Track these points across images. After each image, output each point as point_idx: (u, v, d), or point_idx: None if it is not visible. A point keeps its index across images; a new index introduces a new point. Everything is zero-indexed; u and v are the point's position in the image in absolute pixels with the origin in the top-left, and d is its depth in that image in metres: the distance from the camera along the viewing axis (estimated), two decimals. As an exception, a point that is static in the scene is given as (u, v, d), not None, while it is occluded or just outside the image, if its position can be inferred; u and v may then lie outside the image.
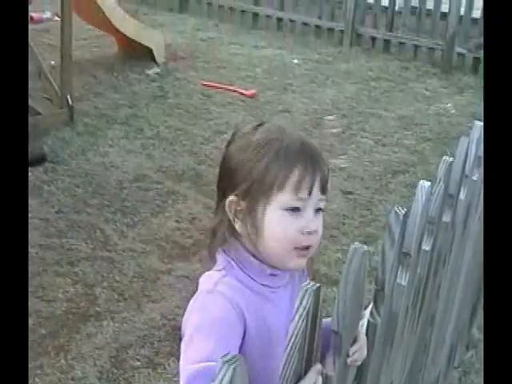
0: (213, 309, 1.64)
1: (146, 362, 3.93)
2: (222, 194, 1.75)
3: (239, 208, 1.71)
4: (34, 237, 4.97)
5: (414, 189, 6.31)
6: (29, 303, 4.25)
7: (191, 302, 1.71)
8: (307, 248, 1.72)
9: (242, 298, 1.66)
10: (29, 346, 3.91)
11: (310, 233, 1.70)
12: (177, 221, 5.37)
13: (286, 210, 1.68)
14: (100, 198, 5.65)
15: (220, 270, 1.72)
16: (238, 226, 1.72)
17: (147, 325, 4.21)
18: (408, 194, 6.04)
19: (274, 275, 1.75)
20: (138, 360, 3.93)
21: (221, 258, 1.75)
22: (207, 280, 1.72)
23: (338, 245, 5.20)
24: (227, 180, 1.73)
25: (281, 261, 1.73)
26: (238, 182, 1.69)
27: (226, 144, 1.78)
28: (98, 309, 4.34)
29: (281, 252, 1.71)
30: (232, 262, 1.72)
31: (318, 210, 1.73)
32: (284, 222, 1.69)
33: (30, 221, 5.16)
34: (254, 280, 1.72)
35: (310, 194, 1.69)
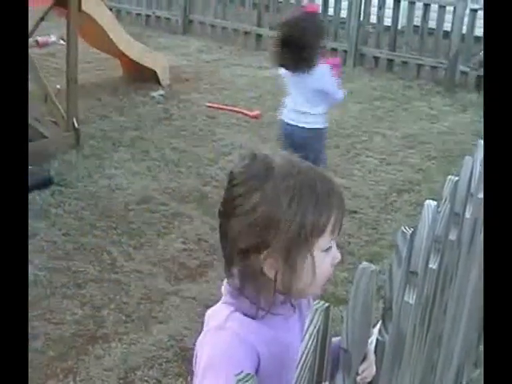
0: (223, 346, 1.62)
1: (155, 383, 3.93)
2: (245, 245, 1.64)
3: (274, 258, 1.65)
4: (41, 259, 5.01)
5: (419, 207, 6.33)
6: (37, 326, 4.28)
7: (201, 337, 1.70)
8: None
9: (252, 331, 1.65)
10: (37, 368, 3.93)
11: (337, 262, 1.73)
12: (183, 242, 5.39)
13: (324, 251, 1.69)
14: (106, 221, 5.67)
15: (228, 304, 1.70)
16: (267, 270, 1.66)
17: (155, 346, 4.22)
18: (413, 213, 6.06)
19: (285, 303, 1.73)
20: (147, 381, 3.94)
21: (228, 290, 1.72)
22: (216, 315, 1.70)
23: (345, 264, 5.20)
24: (257, 232, 1.62)
25: (311, 293, 1.74)
26: (274, 234, 1.62)
27: (236, 194, 1.65)
28: (105, 331, 4.35)
29: (315, 287, 1.71)
30: (242, 297, 1.69)
31: None
32: (323, 262, 1.69)
33: (37, 243, 5.20)
34: (265, 311, 1.69)
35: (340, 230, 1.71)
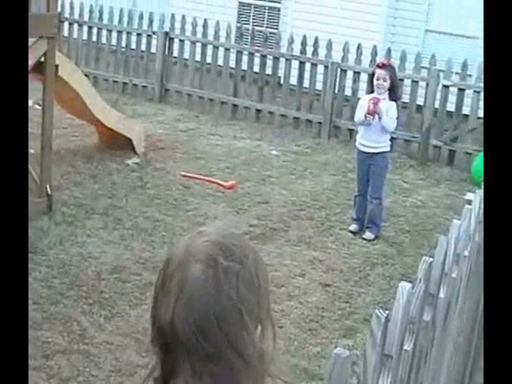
0: None
1: None
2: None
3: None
4: (9, 329, 4.91)
5: (392, 281, 6.31)
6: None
7: None
8: None
9: None
10: None
11: None
12: (155, 313, 5.31)
13: None
14: (77, 290, 5.60)
15: None
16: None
17: (123, 422, 4.13)
18: (387, 287, 6.05)
19: None
20: None
21: None
22: None
23: (318, 338, 5.16)
24: (242, 319, 1.55)
25: None
26: (260, 308, 1.59)
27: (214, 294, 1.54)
28: (73, 405, 4.26)
29: None
30: None
31: None
32: None
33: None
34: None
35: None
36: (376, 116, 7.04)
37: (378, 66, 7.28)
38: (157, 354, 1.61)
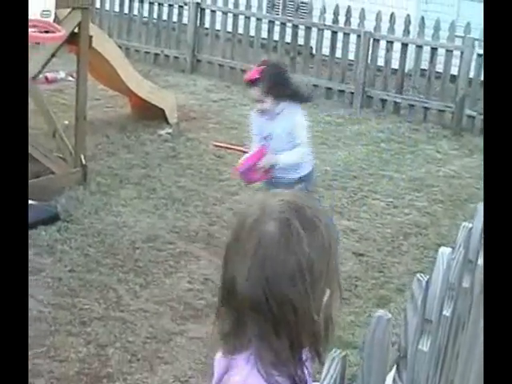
0: None
1: (159, 425, 3.90)
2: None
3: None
4: (46, 296, 4.98)
5: (426, 251, 6.29)
6: (41, 363, 4.24)
7: None
8: None
9: None
10: (41, 407, 3.89)
11: None
12: (189, 282, 5.36)
13: None
14: (113, 258, 5.66)
15: (247, 362, 1.60)
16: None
17: (160, 387, 4.19)
18: (420, 256, 6.04)
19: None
20: (151, 423, 3.90)
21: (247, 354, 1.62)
22: (237, 371, 1.62)
23: (351, 307, 5.17)
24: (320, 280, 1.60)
25: None
26: (330, 273, 1.62)
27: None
28: (110, 370, 4.31)
29: None
30: (259, 360, 1.59)
31: None
32: None
33: (42, 279, 5.18)
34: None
35: None
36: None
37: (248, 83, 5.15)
38: (226, 311, 1.63)
